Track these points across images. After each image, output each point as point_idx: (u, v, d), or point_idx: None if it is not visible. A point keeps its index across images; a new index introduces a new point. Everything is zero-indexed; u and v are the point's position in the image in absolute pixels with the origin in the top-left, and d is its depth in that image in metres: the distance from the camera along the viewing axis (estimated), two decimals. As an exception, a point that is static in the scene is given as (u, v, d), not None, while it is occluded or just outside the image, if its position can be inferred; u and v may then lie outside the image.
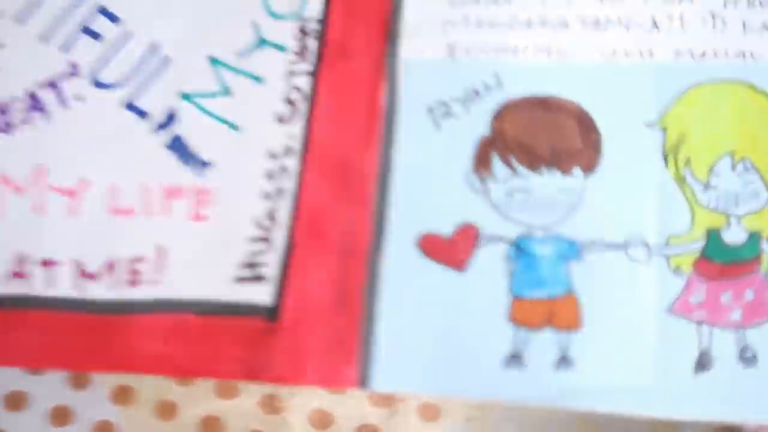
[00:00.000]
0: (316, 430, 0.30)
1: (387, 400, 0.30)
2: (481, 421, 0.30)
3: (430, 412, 0.30)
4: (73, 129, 0.31)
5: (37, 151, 0.31)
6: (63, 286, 0.29)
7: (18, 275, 0.30)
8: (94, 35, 0.32)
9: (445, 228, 0.28)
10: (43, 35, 0.32)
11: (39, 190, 0.31)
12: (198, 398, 0.31)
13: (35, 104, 0.32)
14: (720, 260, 0.28)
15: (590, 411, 0.27)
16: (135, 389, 0.31)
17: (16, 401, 0.31)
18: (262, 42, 0.32)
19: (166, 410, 0.31)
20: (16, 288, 0.30)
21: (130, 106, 0.31)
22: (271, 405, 0.31)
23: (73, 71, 0.32)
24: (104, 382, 0.31)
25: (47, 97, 0.32)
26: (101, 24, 0.33)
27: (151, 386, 0.31)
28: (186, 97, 0.31)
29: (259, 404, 0.31)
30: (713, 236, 0.28)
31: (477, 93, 0.30)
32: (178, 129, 0.31)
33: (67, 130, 0.31)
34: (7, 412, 0.31)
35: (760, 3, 0.31)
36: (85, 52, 0.32)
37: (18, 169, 0.31)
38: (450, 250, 0.28)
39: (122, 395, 0.31)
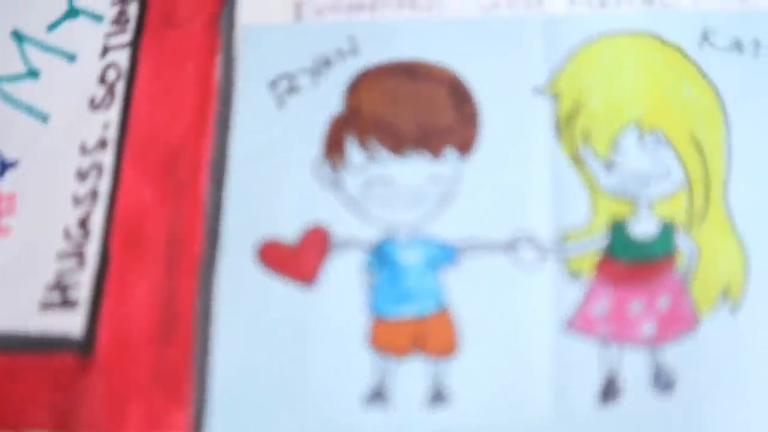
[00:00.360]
0: None
1: None
2: None
3: None
4: None
5: None
6: None
7: None
8: None
9: (290, 231, 0.22)
10: None
11: None
12: None
13: None
14: (627, 259, 0.21)
15: None
16: None
17: None
18: (74, 11, 0.26)
19: None
20: None
21: None
22: None
23: None
24: None
25: None
26: None
27: None
28: None
29: None
30: (618, 229, 0.22)
31: (328, 62, 0.24)
32: None
33: None
34: None
35: None
36: None
37: None
38: (295, 260, 0.22)
39: None
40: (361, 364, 0.21)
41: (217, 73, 0.24)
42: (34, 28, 0.25)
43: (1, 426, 0.22)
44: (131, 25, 0.25)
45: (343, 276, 0.22)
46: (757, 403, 0.20)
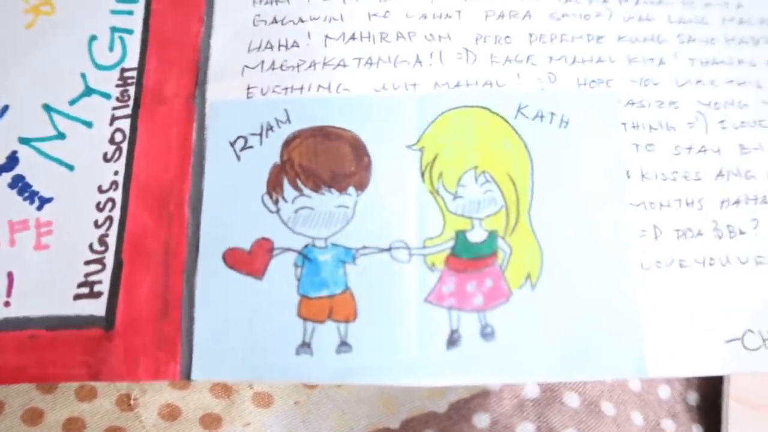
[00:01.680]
0: (166, 422, 0.31)
1: (226, 391, 0.31)
2: (306, 402, 0.31)
3: (263, 400, 0.31)
4: None
5: None
6: None
7: None
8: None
9: (246, 243, 0.28)
10: None
11: None
12: (60, 403, 0.31)
13: None
14: (466, 256, 0.28)
15: (367, 384, 0.28)
16: (2, 401, 0.30)
17: None
18: (89, 90, 0.31)
19: (33, 416, 0.30)
20: None
21: None
22: (125, 403, 0.31)
23: None
24: None
25: None
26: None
27: (17, 397, 0.30)
28: (25, 141, 0.30)
29: (115, 403, 0.31)
30: (461, 237, 0.29)
31: (270, 127, 0.30)
32: (19, 170, 0.30)
33: None
34: None
35: (506, 39, 0.32)
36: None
37: None
38: (250, 261, 0.28)
39: None
40: (294, 328, 0.27)
41: (193, 135, 0.30)
42: (60, 103, 0.30)
43: (51, 380, 0.29)
44: (131, 102, 0.30)
45: (281, 270, 0.28)
46: (547, 343, 0.27)
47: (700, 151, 0.31)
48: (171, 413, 0.31)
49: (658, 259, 0.29)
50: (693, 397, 0.33)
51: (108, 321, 0.28)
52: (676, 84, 0.32)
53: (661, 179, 0.30)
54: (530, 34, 0.32)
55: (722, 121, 0.31)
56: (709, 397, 0.32)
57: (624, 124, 0.31)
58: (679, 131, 0.31)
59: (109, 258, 0.29)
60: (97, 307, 0.28)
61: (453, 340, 0.27)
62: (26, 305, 0.28)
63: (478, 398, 0.29)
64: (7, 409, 0.30)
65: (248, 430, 0.31)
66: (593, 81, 0.31)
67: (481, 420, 0.29)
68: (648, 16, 0.33)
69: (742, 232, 0.30)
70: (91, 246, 0.29)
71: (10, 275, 0.29)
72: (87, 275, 0.28)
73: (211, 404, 0.31)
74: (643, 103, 0.31)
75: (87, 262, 0.29)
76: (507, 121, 0.30)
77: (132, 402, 0.31)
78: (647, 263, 0.29)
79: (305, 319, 0.28)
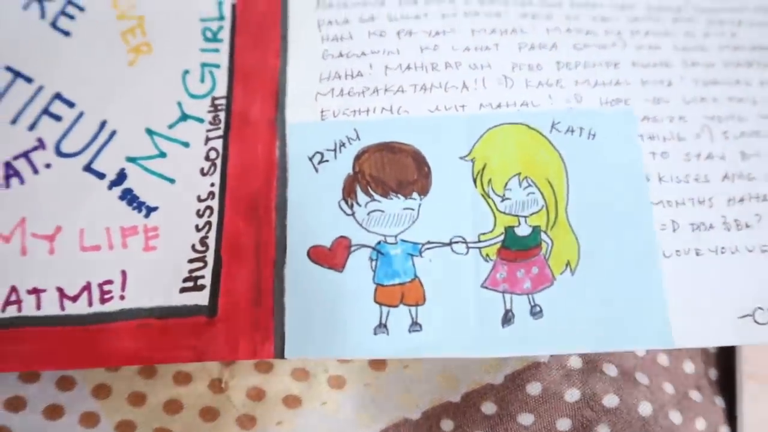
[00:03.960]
0: (253, 402, 0.33)
1: (304, 374, 0.33)
2: (375, 384, 0.33)
3: (337, 382, 0.33)
4: (44, 189, 0.32)
5: (17, 208, 0.32)
6: (49, 307, 0.31)
7: (11, 303, 0.31)
8: (55, 117, 0.34)
9: (327, 241, 0.31)
10: (12, 119, 0.34)
11: (22, 238, 0.32)
12: (160, 387, 0.33)
13: (11, 172, 0.33)
14: (515, 248, 0.31)
15: (435, 357, 0.30)
16: (110, 386, 0.33)
17: (16, 404, 0.32)
18: (185, 116, 0.34)
19: (137, 399, 0.33)
20: (10, 313, 0.31)
21: (89, 169, 0.33)
22: (217, 387, 0.33)
23: (39, 145, 0.33)
24: (85, 382, 0.33)
25: (21, 166, 0.33)
26: (59, 108, 0.34)
27: (122, 382, 0.33)
28: (131, 160, 0.33)
29: (208, 387, 0.33)
30: (509, 232, 0.31)
31: (343, 144, 0.32)
32: (128, 184, 0.32)
33: (40, 190, 0.32)
34: (8, 412, 0.32)
35: (537, 67, 0.35)
36: (49, 130, 0.34)
37: (3, 224, 0.32)
38: (331, 256, 0.31)
39: (101, 391, 0.33)
40: (371, 311, 0.29)
41: (276, 152, 0.32)
42: (161, 127, 0.33)
43: (161, 362, 0.31)
44: (222, 125, 0.33)
45: (359, 264, 0.30)
46: (586, 320, 0.29)
47: (707, 157, 0.33)
48: (257, 395, 0.33)
49: (677, 248, 0.31)
50: (713, 373, 0.34)
51: (211, 309, 0.30)
52: (683, 101, 0.34)
53: (676, 182, 0.32)
54: (558, 62, 0.35)
55: (725, 132, 0.34)
56: (726, 373, 0.34)
57: (641, 135, 0.33)
58: (689, 141, 0.33)
59: (210, 256, 0.31)
60: (201, 298, 0.30)
61: (507, 319, 0.30)
62: (139, 298, 0.31)
63: (530, 369, 0.31)
64: (114, 393, 0.33)
65: (325, 408, 0.33)
66: (613, 100, 0.34)
67: (534, 388, 0.31)
68: (656, 45, 0.36)
69: (747, 226, 0.32)
70: (193, 246, 0.31)
71: (123, 273, 0.31)
72: (191, 271, 0.31)
73: (291, 386, 0.33)
74: (656, 118, 0.34)
75: (190, 260, 0.31)
76: (543, 135, 0.33)
77: (223, 385, 0.33)
78: (668, 252, 0.31)
79: (381, 304, 0.30)
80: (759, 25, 0.37)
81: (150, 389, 0.32)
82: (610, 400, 0.30)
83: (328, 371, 0.33)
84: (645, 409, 0.30)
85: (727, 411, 0.33)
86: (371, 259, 0.30)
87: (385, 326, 0.29)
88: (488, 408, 0.31)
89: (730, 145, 0.33)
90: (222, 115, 0.33)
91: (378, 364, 0.33)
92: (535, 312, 0.30)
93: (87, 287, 0.31)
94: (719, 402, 0.33)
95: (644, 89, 0.34)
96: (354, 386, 0.33)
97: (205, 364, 0.33)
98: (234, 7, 0.36)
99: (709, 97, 0.34)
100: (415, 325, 0.29)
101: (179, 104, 0.34)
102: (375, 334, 0.29)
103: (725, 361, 0.34)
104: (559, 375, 0.31)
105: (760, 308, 0.30)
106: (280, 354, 0.29)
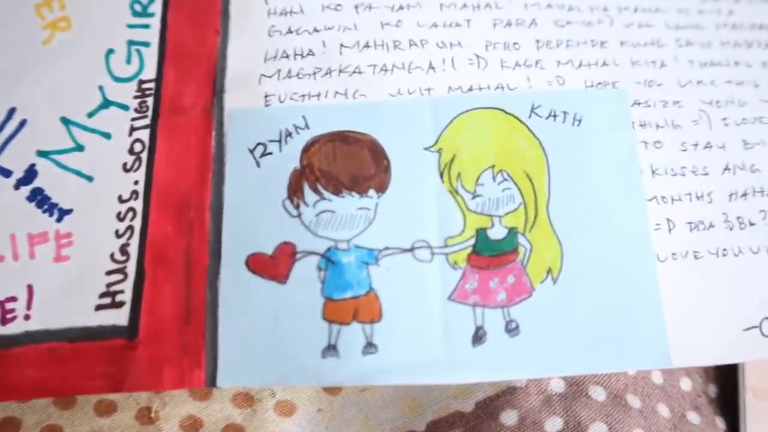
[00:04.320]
0: None
1: (248, 401, 0.30)
2: (329, 409, 0.30)
3: (285, 408, 0.30)
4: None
5: None
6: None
7: None
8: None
9: (268, 248, 0.28)
10: None
11: None
12: (79, 419, 0.29)
13: None
14: (487, 253, 0.28)
15: (394, 384, 0.27)
16: (19, 419, 0.29)
17: None
18: (107, 103, 0.31)
19: None
20: None
21: None
22: (146, 417, 0.30)
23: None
24: None
25: None
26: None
27: (34, 414, 0.29)
28: (43, 154, 0.30)
29: (135, 417, 0.30)
30: (481, 235, 0.28)
31: (289, 134, 0.29)
32: (38, 183, 0.29)
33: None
34: None
35: (514, 46, 0.32)
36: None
37: None
38: (273, 266, 0.28)
39: (8, 426, 0.29)
40: (319, 330, 0.26)
41: (212, 143, 0.29)
42: (78, 115, 0.30)
43: (71, 393, 0.28)
44: (150, 113, 0.30)
45: (304, 274, 0.27)
46: (571, 336, 0.27)
47: (705, 147, 0.31)
48: (193, 425, 0.30)
49: (673, 251, 0.29)
50: (713, 390, 0.32)
51: (131, 330, 0.27)
52: (678, 84, 0.32)
53: (671, 174, 0.30)
54: (537, 41, 0.32)
55: (725, 119, 0.32)
56: (727, 388, 0.32)
57: (632, 122, 0.31)
58: (685, 129, 0.31)
59: (131, 267, 0.28)
60: (119, 317, 0.27)
61: (478, 337, 0.27)
62: (47, 318, 0.27)
63: (504, 395, 0.29)
64: (24, 426, 0.29)
65: None
66: (600, 83, 0.32)
67: (509, 417, 0.28)
68: (647, 22, 0.34)
69: (752, 224, 0.30)
70: (112, 256, 0.28)
71: (30, 288, 0.28)
72: (109, 285, 0.28)
73: (233, 414, 0.30)
74: (648, 103, 0.31)
75: (108, 272, 0.28)
76: (521, 121, 0.30)
77: (153, 415, 0.30)
78: (663, 255, 0.29)
79: (330, 322, 0.27)
80: (758, 1, 0.35)
81: (67, 422, 0.29)
82: (598, 429, 0.28)
83: (275, 396, 0.30)
84: (638, 437, 0.28)
85: None
86: (319, 269, 0.28)
87: (335, 348, 0.27)
88: (457, 439, 0.29)
89: (730, 132, 0.31)
90: (150, 102, 0.30)
91: (332, 388, 0.30)
92: (511, 328, 0.27)
93: (-15, 305, 0.27)
94: (720, 423, 0.31)
95: (634, 71, 0.32)
96: (305, 413, 0.30)
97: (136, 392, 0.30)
98: (167, -23, 0.33)
99: (706, 80, 0.32)
100: (370, 347, 0.27)
101: (101, 89, 0.31)
102: (323, 357, 0.27)
103: (726, 375, 0.32)
104: (539, 401, 0.29)
105: (767, 318, 0.28)
106: (212, 382, 0.26)
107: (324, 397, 0.30)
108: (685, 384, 0.31)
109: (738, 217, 0.30)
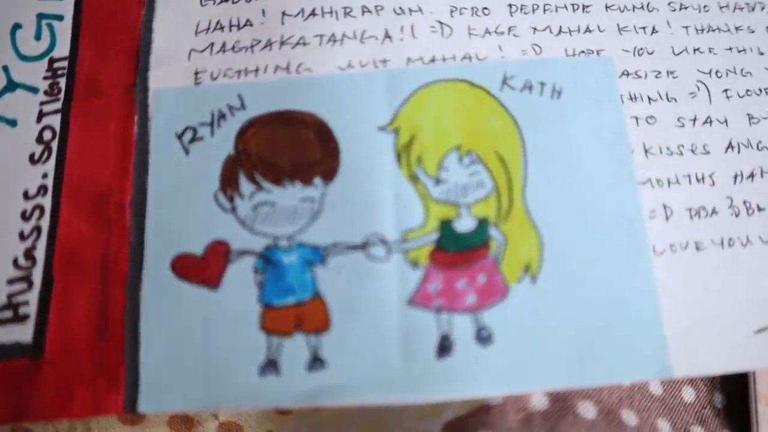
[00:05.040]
0: None
1: (186, 424, 0.28)
2: (279, 431, 0.28)
3: (230, 431, 0.28)
4: None
5: None
6: None
7: None
8: None
9: (198, 247, 0.26)
10: None
11: None
12: None
13: None
14: (453, 249, 0.26)
15: (346, 405, 0.24)
16: None
17: None
18: (13, 85, 0.28)
19: None
20: None
21: None
22: None
23: None
24: None
25: None
26: None
27: None
28: None
29: None
30: (446, 227, 0.26)
31: (223, 115, 0.27)
32: None
33: None
34: None
35: (484, 11, 0.30)
36: None
37: None
38: (203, 268, 0.25)
39: None
40: (256, 343, 0.24)
41: (135, 129, 0.27)
42: None
43: None
44: (62, 95, 0.28)
45: (239, 277, 0.25)
46: (554, 344, 0.25)
47: (705, 122, 0.29)
48: None
49: (671, 241, 0.27)
50: (719, 400, 0.30)
51: (35, 348, 0.25)
52: (672, 53, 0.30)
53: (666, 154, 0.28)
54: (510, 5, 0.30)
55: (726, 91, 0.30)
56: (734, 397, 0.30)
57: (620, 95, 0.29)
58: (681, 102, 0.29)
59: (37, 274, 0.26)
60: (22, 333, 0.25)
61: (444, 347, 0.25)
62: None
63: (477, 415, 0.27)
64: None
65: None
66: (582, 52, 0.29)
67: None
68: None
69: (761, 208, 0.28)
70: (15, 261, 0.26)
71: None
72: (10, 296, 0.25)
73: None
74: (639, 73, 0.29)
75: (10, 281, 0.26)
76: (491, 95, 0.28)
77: None
78: (660, 247, 0.27)
79: (269, 333, 0.25)
80: None
81: None
82: None
83: (219, 417, 0.28)
84: (635, 459, 0.26)
85: None
86: (257, 271, 0.25)
87: (275, 364, 0.24)
88: (424, 467, 0.27)
89: (732, 106, 0.29)
90: (62, 83, 0.28)
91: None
92: (483, 337, 0.25)
93: None
94: None
95: (622, 38, 0.30)
96: None
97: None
98: (84, -60, 0.31)
99: (703, 48, 0.31)
100: (316, 361, 0.24)
101: (5, 69, 0.28)
102: (262, 375, 0.24)
103: (734, 383, 0.30)
104: (518, 421, 0.26)
105: None
106: (132, 407, 0.24)
107: (273, 418, 0.28)
108: (688, 394, 0.29)
109: (745, 201, 0.28)
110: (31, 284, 0.25)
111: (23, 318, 0.25)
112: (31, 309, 0.25)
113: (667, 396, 0.29)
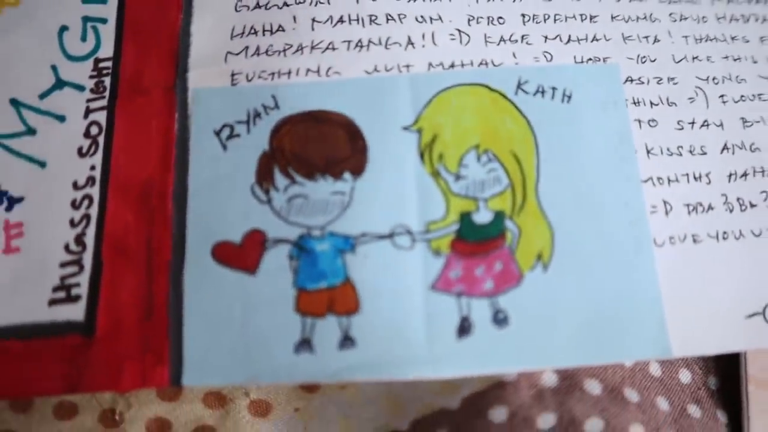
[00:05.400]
0: None
1: (219, 401, 0.29)
2: (307, 408, 0.29)
3: (260, 408, 0.29)
4: None
5: None
6: None
7: None
8: None
9: (236, 236, 0.26)
10: None
11: None
12: (37, 423, 0.28)
13: None
14: (472, 239, 0.27)
15: (373, 381, 0.25)
16: None
17: None
18: (61, 83, 0.29)
19: None
20: None
21: None
22: (110, 419, 0.28)
23: None
24: None
25: None
26: None
27: None
28: None
29: (98, 420, 0.28)
30: (465, 219, 0.27)
31: (258, 114, 0.28)
32: None
33: None
34: None
35: (499, 20, 0.31)
36: None
37: None
38: (242, 255, 0.26)
39: None
40: (292, 324, 0.25)
41: (176, 126, 0.28)
42: (29, 97, 0.28)
43: (22, 396, 0.26)
44: (107, 93, 0.29)
45: (275, 263, 0.26)
46: (564, 327, 0.26)
47: (702, 125, 0.30)
48: (160, 427, 0.28)
49: (671, 234, 0.28)
50: (713, 382, 0.31)
51: (87, 326, 0.26)
52: (673, 61, 0.31)
53: (667, 154, 0.29)
54: (523, 15, 0.31)
55: (722, 96, 0.31)
56: (727, 380, 0.31)
57: (625, 100, 0.30)
58: (681, 106, 0.30)
59: (87, 259, 0.26)
60: (75, 312, 0.26)
61: (463, 329, 0.26)
62: None
63: (493, 390, 0.27)
64: None
65: None
66: (590, 59, 0.30)
67: (498, 413, 0.27)
68: None
69: (753, 205, 0.29)
70: (67, 246, 0.27)
71: None
72: (63, 278, 0.26)
73: (203, 415, 0.29)
74: (642, 79, 0.30)
75: (63, 264, 0.26)
76: (507, 98, 0.29)
77: (117, 417, 0.28)
78: (660, 239, 0.28)
79: (303, 314, 0.26)
80: None
81: (24, 426, 0.28)
82: (594, 425, 0.27)
83: (250, 395, 0.29)
84: (636, 432, 0.27)
85: (732, 425, 0.30)
86: (291, 258, 0.26)
87: (309, 342, 0.25)
88: (443, 439, 0.28)
89: (728, 110, 0.31)
90: (107, 82, 0.29)
91: (309, 386, 0.29)
92: (499, 319, 0.26)
93: (-72, 302, 0.26)
94: (722, 416, 0.30)
95: (626, 46, 0.31)
96: (281, 413, 0.29)
97: (94, 393, 0.28)
98: (126, -52, 0.32)
99: (702, 56, 0.32)
100: (346, 341, 0.25)
101: (54, 68, 0.29)
102: (297, 352, 0.25)
103: (727, 366, 0.31)
104: (530, 396, 0.27)
105: None
106: (177, 381, 0.25)
107: (301, 396, 0.29)
108: (685, 376, 0.30)
109: (738, 198, 0.29)
110: (81, 267, 0.26)
111: (75, 298, 0.26)
112: (83, 290, 0.26)
113: (666, 377, 0.29)
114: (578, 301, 0.26)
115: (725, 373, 0.31)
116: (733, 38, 0.32)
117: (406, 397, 0.29)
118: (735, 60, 0.32)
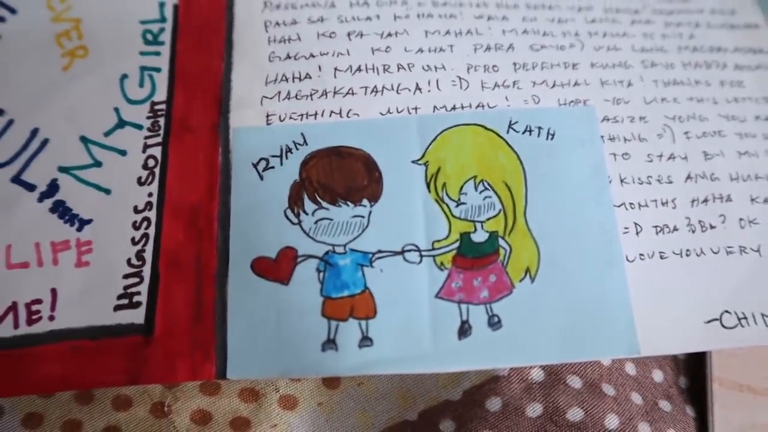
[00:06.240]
0: (198, 426, 0.30)
1: (253, 395, 0.31)
2: (329, 403, 0.31)
3: (288, 402, 0.31)
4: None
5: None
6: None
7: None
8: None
9: (272, 252, 0.29)
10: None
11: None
12: (98, 413, 0.30)
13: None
14: (471, 255, 0.29)
15: (387, 374, 0.28)
16: (41, 414, 0.30)
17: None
18: (123, 123, 0.32)
19: (72, 427, 0.30)
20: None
21: (18, 180, 0.31)
22: (160, 411, 0.31)
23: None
24: (14, 410, 0.30)
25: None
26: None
27: (56, 409, 0.30)
28: (64, 170, 0.31)
29: (150, 411, 0.31)
30: (465, 238, 0.30)
31: (289, 149, 0.31)
32: (60, 196, 0.30)
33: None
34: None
35: (493, 68, 0.34)
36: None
37: None
38: (276, 269, 0.29)
39: (31, 420, 0.30)
40: (319, 326, 0.28)
41: (219, 158, 0.31)
42: (96, 134, 0.31)
43: (91, 387, 0.29)
44: (161, 131, 0.31)
45: (305, 275, 0.28)
46: (548, 329, 0.28)
47: (669, 158, 0.32)
48: (203, 418, 0.31)
49: (641, 251, 0.30)
50: (683, 382, 0.33)
51: (147, 328, 0.28)
52: (644, 102, 0.34)
53: (638, 183, 0.32)
54: (514, 63, 0.34)
55: (686, 132, 0.33)
56: (696, 381, 0.33)
57: (602, 137, 0.32)
58: (650, 142, 0.33)
59: (147, 271, 0.29)
60: (136, 316, 0.28)
61: (464, 331, 0.28)
62: (69, 318, 0.29)
63: (489, 384, 0.29)
64: (46, 421, 0.30)
65: (275, 431, 0.31)
66: (572, 101, 0.33)
67: (493, 404, 0.29)
68: (615, 46, 0.36)
69: (712, 227, 0.31)
70: (129, 261, 0.29)
71: (53, 291, 0.29)
72: (126, 287, 0.29)
73: (239, 408, 0.31)
74: (617, 118, 0.33)
75: (126, 276, 0.29)
76: (500, 136, 0.31)
77: (166, 409, 0.31)
78: (632, 255, 0.30)
79: (329, 318, 0.28)
80: (716, 27, 0.37)
81: (86, 416, 0.30)
82: (575, 414, 0.29)
83: (279, 390, 0.31)
84: (612, 421, 0.29)
85: (699, 420, 0.32)
86: (318, 271, 0.29)
87: (333, 342, 0.28)
88: (447, 426, 0.30)
89: (692, 145, 0.33)
90: (162, 121, 0.32)
91: (331, 382, 0.31)
92: (494, 322, 0.28)
93: (13, 308, 0.28)
94: (690, 411, 0.32)
95: (604, 90, 0.34)
96: (306, 406, 0.31)
97: (147, 387, 0.30)
98: (176, 8, 0.35)
99: (669, 98, 0.34)
100: (365, 340, 0.28)
101: (116, 110, 0.32)
102: (323, 350, 0.28)
103: (696, 368, 0.33)
104: (520, 389, 0.29)
105: (726, 312, 0.30)
106: (222, 375, 0.27)
107: (324, 392, 0.31)
108: (657, 375, 0.32)
109: (699, 221, 0.31)
110: (141, 279, 0.29)
111: (136, 305, 0.28)
112: (143, 298, 0.28)
113: (640, 376, 0.31)
114: (560, 307, 0.28)
115: (695, 374, 0.33)
116: (696, 82, 0.35)
117: (414, 391, 0.31)
118: (698, 101, 0.34)
